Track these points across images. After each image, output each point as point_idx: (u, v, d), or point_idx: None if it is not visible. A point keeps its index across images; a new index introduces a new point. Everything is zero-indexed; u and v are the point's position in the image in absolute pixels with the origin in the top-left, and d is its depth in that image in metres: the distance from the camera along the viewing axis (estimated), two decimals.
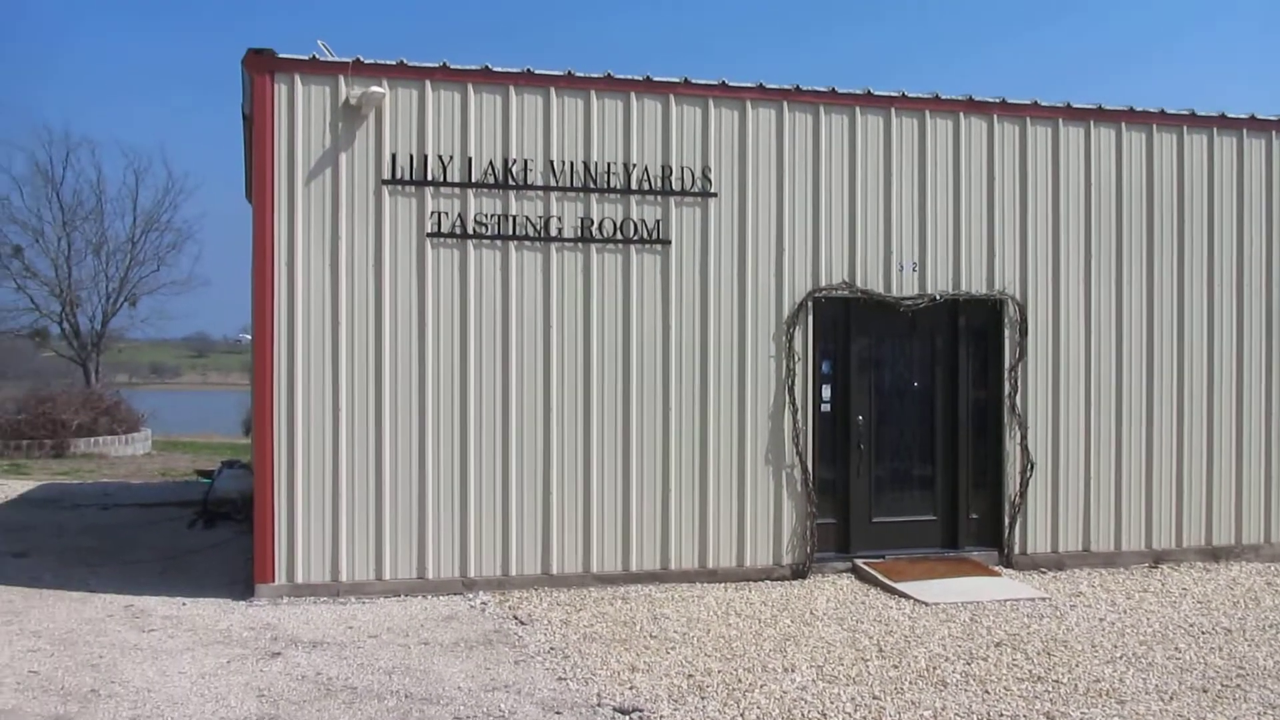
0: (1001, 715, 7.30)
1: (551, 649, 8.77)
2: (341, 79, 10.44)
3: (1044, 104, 12.09)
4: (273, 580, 10.31)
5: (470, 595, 10.54)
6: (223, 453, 25.28)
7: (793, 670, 8.26)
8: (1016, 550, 12.03)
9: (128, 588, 10.72)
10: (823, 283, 11.55)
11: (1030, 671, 8.28)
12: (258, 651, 8.61)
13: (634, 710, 7.31)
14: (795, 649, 8.85)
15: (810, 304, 11.52)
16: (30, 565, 11.77)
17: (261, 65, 10.31)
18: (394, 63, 10.54)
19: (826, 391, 11.81)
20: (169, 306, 65.44)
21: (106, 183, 41.64)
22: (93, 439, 25.84)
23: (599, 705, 7.43)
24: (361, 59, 10.45)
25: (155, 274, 41.83)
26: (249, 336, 11.70)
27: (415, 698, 7.54)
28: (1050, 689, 7.87)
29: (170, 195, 42.35)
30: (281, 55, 10.33)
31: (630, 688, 7.80)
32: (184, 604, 10.13)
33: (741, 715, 7.26)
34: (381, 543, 10.52)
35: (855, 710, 7.37)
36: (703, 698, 7.59)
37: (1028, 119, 12.07)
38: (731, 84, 11.30)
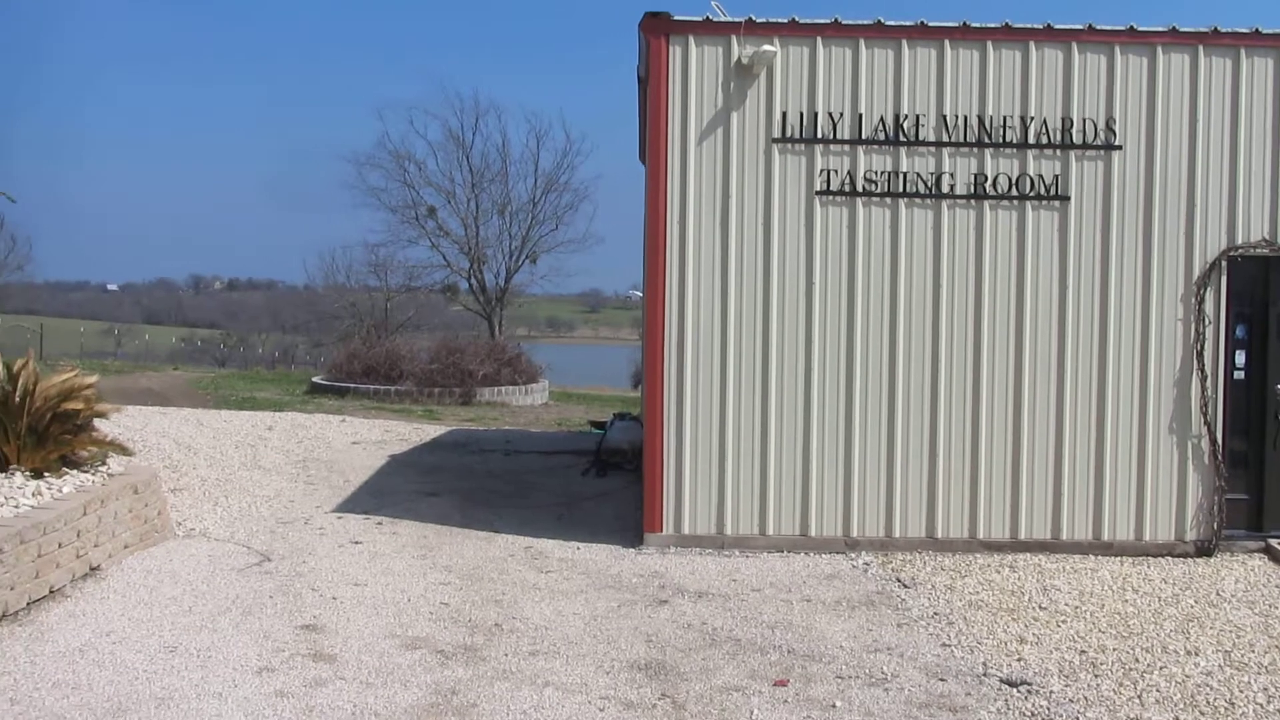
0: None
1: (935, 614, 8.63)
2: (734, 39, 10.55)
3: None
4: (660, 530, 10.65)
5: (852, 555, 10.51)
6: (613, 405, 26.29)
7: (1196, 654, 7.76)
8: None
9: (527, 530, 11.36)
10: (1239, 241, 10.71)
11: None
12: (646, 598, 8.92)
13: (1022, 683, 7.08)
14: (1199, 631, 8.31)
15: (1224, 264, 10.71)
16: (441, 505, 12.67)
17: (657, 28, 10.56)
18: (785, 21, 10.54)
19: (1240, 358, 10.96)
20: (566, 264, 68.04)
21: (511, 146, 44.01)
22: (496, 388, 27.40)
23: (985, 675, 7.25)
24: (753, 18, 10.51)
25: (554, 233, 43.97)
26: (639, 293, 12.07)
27: (797, 653, 7.61)
28: None
29: (568, 157, 44.25)
30: (677, 18, 10.55)
31: (1018, 659, 7.57)
32: (578, 548, 10.64)
33: (1139, 697, 6.89)
34: (766, 498, 10.66)
35: (1269, 702, 6.85)
36: (1096, 675, 7.26)
37: None
38: (1140, 29, 10.62)
